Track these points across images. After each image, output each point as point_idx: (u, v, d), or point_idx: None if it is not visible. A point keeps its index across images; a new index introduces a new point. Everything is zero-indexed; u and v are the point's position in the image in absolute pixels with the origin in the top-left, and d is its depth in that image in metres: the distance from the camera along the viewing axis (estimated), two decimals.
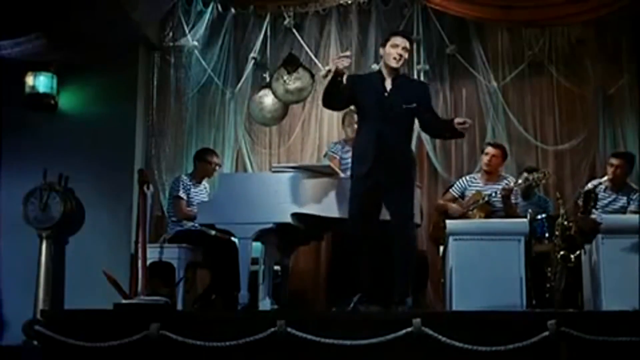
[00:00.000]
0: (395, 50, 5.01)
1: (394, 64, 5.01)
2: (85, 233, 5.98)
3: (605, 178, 6.04)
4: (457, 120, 5.01)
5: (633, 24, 6.91)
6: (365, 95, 5.08)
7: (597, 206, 5.91)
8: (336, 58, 5.11)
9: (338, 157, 6.31)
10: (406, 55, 5.07)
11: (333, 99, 5.10)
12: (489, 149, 6.29)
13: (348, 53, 5.25)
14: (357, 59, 7.39)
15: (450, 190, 6.40)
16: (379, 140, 4.94)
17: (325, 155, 6.59)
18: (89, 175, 6.71)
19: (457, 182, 6.40)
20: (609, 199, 6.06)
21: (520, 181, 6.15)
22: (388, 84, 5.05)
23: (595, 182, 6.19)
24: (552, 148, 7.20)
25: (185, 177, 6.40)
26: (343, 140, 6.50)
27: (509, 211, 6.02)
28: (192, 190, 6.33)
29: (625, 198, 6.07)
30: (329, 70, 5.17)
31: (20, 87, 7.10)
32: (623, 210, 5.97)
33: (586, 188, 6.14)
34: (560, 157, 7.20)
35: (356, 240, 5.05)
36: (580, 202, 6.12)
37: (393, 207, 4.97)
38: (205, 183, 6.50)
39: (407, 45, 5.08)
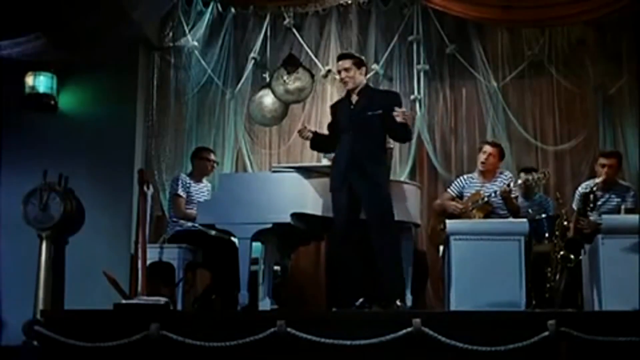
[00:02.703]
0: (339, 75, 5.43)
1: (345, 86, 5.40)
2: (85, 233, 5.98)
3: (599, 180, 5.99)
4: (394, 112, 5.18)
5: (633, 24, 6.90)
6: (339, 116, 5.45)
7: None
8: (299, 133, 5.63)
9: None
10: (352, 73, 5.35)
11: (320, 148, 5.89)
12: (486, 147, 6.26)
13: (306, 128, 5.62)
14: None
15: (448, 190, 6.39)
16: (351, 150, 5.22)
17: (325, 156, 6.57)
18: (89, 175, 6.71)
19: (455, 182, 6.39)
20: (602, 199, 6.04)
21: (520, 182, 6.14)
22: (354, 98, 5.37)
23: (587, 183, 6.17)
24: (552, 148, 7.19)
25: (184, 176, 6.39)
26: None
27: (512, 209, 6.01)
28: (192, 188, 6.31)
29: (617, 197, 6.05)
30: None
31: (20, 87, 7.11)
32: (617, 209, 5.95)
33: (580, 189, 6.14)
34: (560, 157, 7.19)
35: (346, 249, 5.19)
36: (575, 206, 6.12)
37: (367, 210, 5.17)
38: (206, 182, 6.49)
39: (349, 64, 5.34)
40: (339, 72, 5.41)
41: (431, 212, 6.61)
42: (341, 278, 5.25)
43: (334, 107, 5.63)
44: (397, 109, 5.17)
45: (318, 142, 5.62)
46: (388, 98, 5.44)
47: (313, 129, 5.65)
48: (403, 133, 5.37)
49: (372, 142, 5.26)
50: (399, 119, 5.14)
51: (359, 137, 5.23)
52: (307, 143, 7.33)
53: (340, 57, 5.50)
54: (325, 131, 7.20)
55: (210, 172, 6.53)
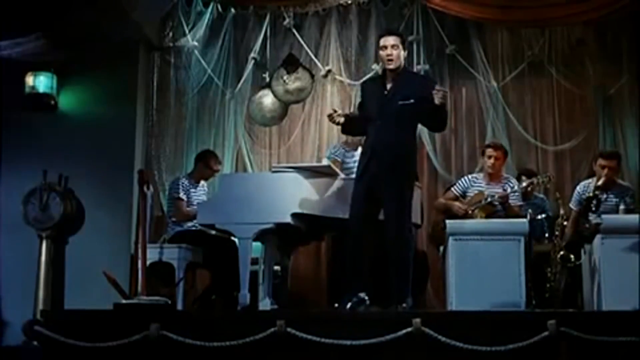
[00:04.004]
0: (385, 52, 5.04)
1: (388, 65, 5.05)
2: (85, 233, 5.97)
3: (600, 182, 5.96)
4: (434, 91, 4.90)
5: (633, 24, 6.91)
6: (369, 99, 5.16)
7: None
8: (329, 118, 5.22)
9: (340, 160, 6.30)
10: (397, 52, 5.03)
11: (351, 131, 5.48)
12: (490, 151, 6.19)
13: (336, 112, 5.22)
14: (357, 58, 7.41)
15: (452, 189, 6.36)
16: (377, 139, 4.99)
17: (328, 158, 6.55)
18: (89, 175, 6.71)
19: (459, 181, 6.37)
20: (601, 199, 6.02)
21: (524, 184, 6.13)
22: (389, 83, 5.08)
23: (587, 182, 6.17)
24: (552, 148, 7.20)
25: (184, 179, 6.40)
26: (344, 143, 6.49)
27: (510, 215, 5.99)
28: (192, 190, 6.33)
29: (615, 197, 6.03)
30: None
31: (20, 87, 7.11)
32: (615, 209, 5.95)
33: (579, 189, 6.13)
34: (560, 157, 7.20)
35: (355, 241, 5.05)
36: (574, 205, 6.12)
37: (388, 204, 4.97)
38: (203, 182, 6.49)
39: (397, 41, 5.05)
40: (384, 47, 5.02)
41: (433, 211, 6.60)
42: (347, 270, 5.12)
43: (365, 86, 5.35)
44: (437, 87, 4.86)
45: (350, 126, 5.27)
46: (423, 85, 5.05)
47: (343, 113, 5.26)
48: (440, 118, 5.04)
49: (400, 134, 4.99)
50: (437, 100, 4.80)
51: (386, 129, 4.97)
52: (307, 143, 7.43)
53: (388, 33, 5.16)
54: (326, 131, 7.17)
55: (209, 179, 6.54)
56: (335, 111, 5.23)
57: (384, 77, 5.16)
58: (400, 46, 5.06)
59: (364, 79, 5.74)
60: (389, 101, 5.01)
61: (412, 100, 4.95)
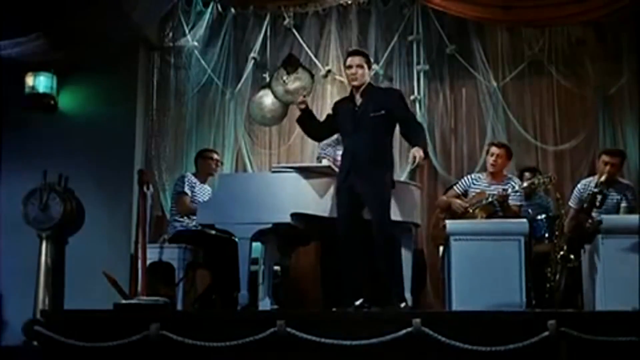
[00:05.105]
0: (350, 71, 5.34)
1: (352, 83, 5.33)
2: (85, 233, 5.98)
3: (603, 178, 5.97)
4: (412, 153, 5.06)
5: (633, 24, 6.91)
6: (341, 115, 5.41)
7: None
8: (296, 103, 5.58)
9: (332, 158, 6.30)
10: (362, 71, 5.30)
11: (307, 130, 5.71)
12: (494, 149, 6.20)
13: (301, 99, 5.56)
14: None
15: (454, 187, 6.36)
16: (353, 152, 5.21)
17: (318, 159, 6.55)
18: (89, 175, 6.72)
19: (462, 180, 6.36)
20: (606, 194, 6.02)
21: (525, 184, 6.12)
22: (358, 99, 5.32)
23: (587, 180, 6.17)
24: (552, 148, 7.20)
25: (190, 174, 6.40)
26: (335, 140, 6.48)
27: (508, 215, 5.99)
28: (197, 187, 6.32)
29: (617, 194, 6.04)
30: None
31: (20, 87, 7.11)
32: (616, 207, 5.96)
33: (580, 187, 6.14)
34: (560, 157, 7.20)
35: (346, 249, 5.17)
36: (573, 203, 6.12)
37: (370, 210, 5.15)
38: (208, 186, 6.49)
39: (362, 61, 5.32)
40: (349, 67, 5.31)
41: (434, 209, 6.59)
42: (342, 278, 5.23)
43: (337, 106, 5.55)
44: (410, 154, 5.04)
45: (308, 122, 5.59)
46: (390, 96, 5.39)
47: (309, 108, 5.59)
48: (407, 140, 5.39)
49: (375, 144, 5.20)
50: (415, 162, 5.06)
51: (361, 140, 5.19)
52: (307, 143, 7.42)
53: (354, 53, 5.41)
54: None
55: (215, 170, 6.53)
56: (305, 99, 5.56)
57: (352, 95, 5.39)
58: (365, 65, 5.35)
59: (338, 99, 5.88)
60: (362, 115, 5.25)
61: (383, 112, 5.19)
